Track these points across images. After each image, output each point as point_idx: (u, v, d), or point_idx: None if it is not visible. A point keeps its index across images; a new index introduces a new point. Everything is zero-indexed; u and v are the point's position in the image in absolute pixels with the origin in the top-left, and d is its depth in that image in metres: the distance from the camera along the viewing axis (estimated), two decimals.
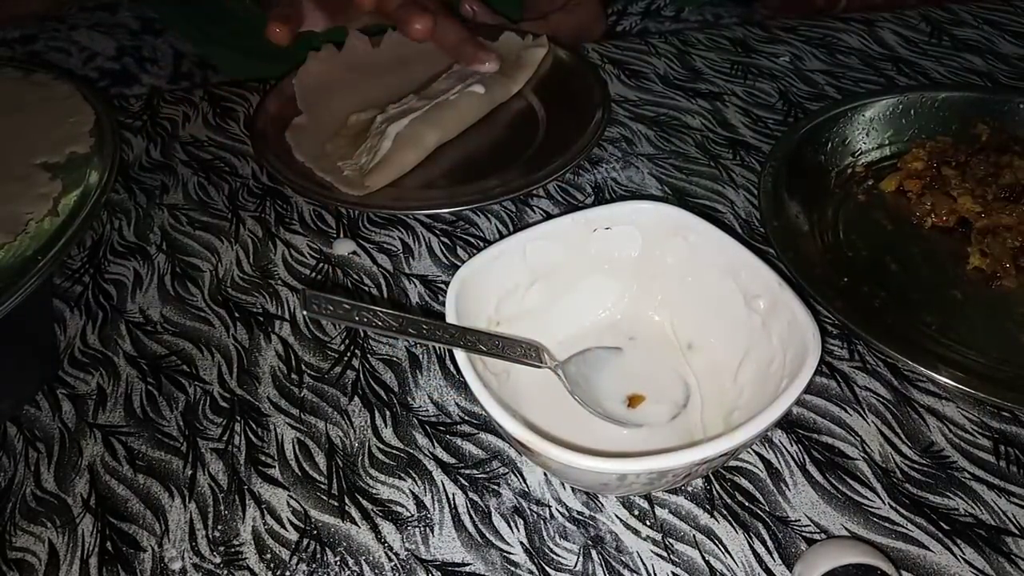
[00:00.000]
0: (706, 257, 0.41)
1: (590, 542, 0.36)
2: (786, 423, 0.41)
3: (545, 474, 0.39)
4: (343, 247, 0.52)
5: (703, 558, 0.36)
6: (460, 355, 0.34)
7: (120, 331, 0.47)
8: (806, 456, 0.39)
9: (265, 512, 0.38)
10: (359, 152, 0.57)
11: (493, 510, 0.38)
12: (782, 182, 0.52)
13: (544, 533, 0.37)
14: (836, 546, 0.34)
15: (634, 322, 0.44)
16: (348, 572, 0.36)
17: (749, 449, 0.39)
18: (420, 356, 0.45)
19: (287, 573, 0.36)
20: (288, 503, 0.38)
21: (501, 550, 0.36)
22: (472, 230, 0.53)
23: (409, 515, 0.38)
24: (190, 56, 0.83)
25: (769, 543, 0.36)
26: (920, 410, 0.41)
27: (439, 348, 0.45)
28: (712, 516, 0.37)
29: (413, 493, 0.38)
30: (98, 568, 0.36)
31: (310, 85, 0.63)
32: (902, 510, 0.37)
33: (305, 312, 0.32)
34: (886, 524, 0.36)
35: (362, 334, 0.46)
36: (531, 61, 0.65)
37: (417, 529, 0.37)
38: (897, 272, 0.48)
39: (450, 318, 0.36)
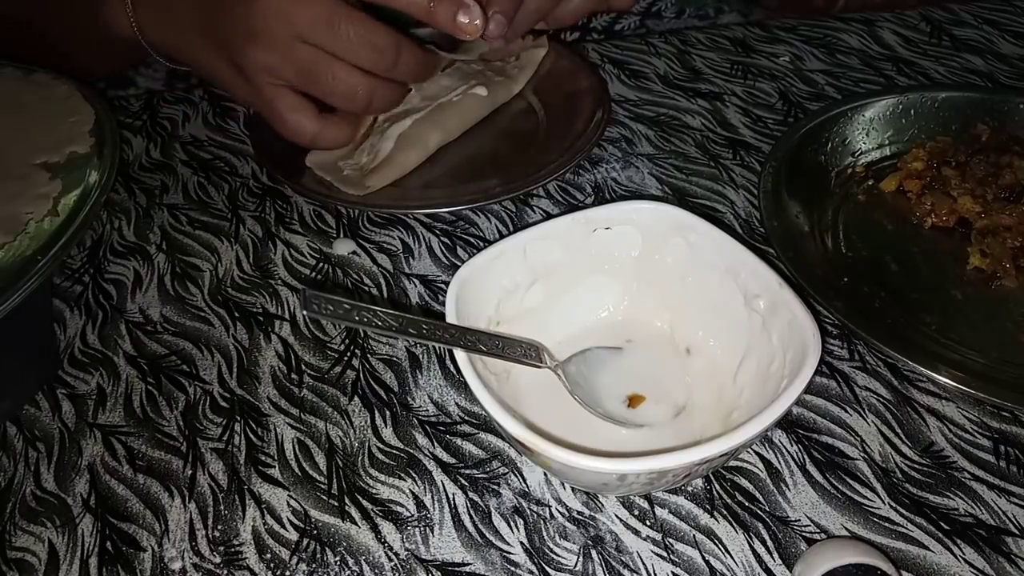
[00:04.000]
0: (706, 257, 0.41)
1: (590, 542, 0.36)
2: (786, 423, 0.41)
3: (545, 474, 0.39)
4: (343, 247, 0.52)
5: (703, 558, 0.36)
6: (460, 355, 0.34)
7: (120, 331, 0.47)
8: (806, 456, 0.39)
9: (265, 512, 0.38)
10: (359, 152, 0.57)
11: (493, 510, 0.38)
12: (782, 182, 0.52)
13: (544, 533, 0.37)
14: (836, 546, 0.34)
15: (634, 322, 0.44)
16: (348, 572, 0.36)
17: (749, 449, 0.39)
18: (420, 356, 0.45)
19: (287, 573, 0.36)
20: (288, 503, 0.38)
21: (501, 550, 0.36)
22: (472, 230, 0.53)
23: (409, 515, 0.38)
24: None
25: (769, 543, 0.36)
26: (920, 410, 0.41)
27: (439, 348, 0.45)
28: (712, 516, 0.37)
29: (413, 493, 0.38)
30: (98, 568, 0.36)
31: None
32: (902, 510, 0.37)
33: (305, 312, 0.32)
34: (886, 524, 0.36)
35: (362, 334, 0.46)
36: (531, 61, 0.65)
37: (417, 529, 0.37)
38: (897, 272, 0.48)
39: (450, 318, 0.36)
